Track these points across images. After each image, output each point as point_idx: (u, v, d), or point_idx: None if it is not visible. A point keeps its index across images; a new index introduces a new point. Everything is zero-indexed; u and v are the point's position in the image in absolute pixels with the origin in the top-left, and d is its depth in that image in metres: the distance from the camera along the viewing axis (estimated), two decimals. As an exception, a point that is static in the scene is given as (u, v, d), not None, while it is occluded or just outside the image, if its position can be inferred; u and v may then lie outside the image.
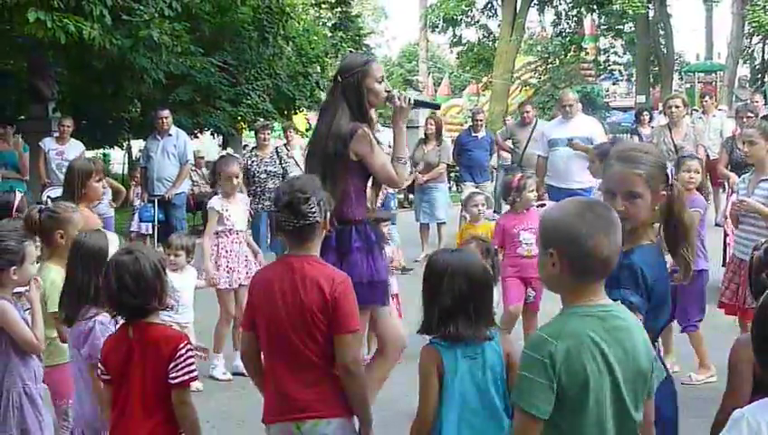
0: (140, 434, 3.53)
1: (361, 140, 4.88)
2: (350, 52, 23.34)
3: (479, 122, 13.65)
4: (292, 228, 3.60)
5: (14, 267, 4.32)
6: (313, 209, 3.58)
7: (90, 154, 13.68)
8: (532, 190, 7.14)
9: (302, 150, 13.46)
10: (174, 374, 3.50)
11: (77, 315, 4.12)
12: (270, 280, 3.67)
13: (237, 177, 7.31)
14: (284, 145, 12.95)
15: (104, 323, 4.00)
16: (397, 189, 8.55)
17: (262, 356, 3.75)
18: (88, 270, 4.15)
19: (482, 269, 3.51)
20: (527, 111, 13.29)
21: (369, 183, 5.12)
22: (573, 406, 2.58)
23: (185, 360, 3.53)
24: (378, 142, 5.00)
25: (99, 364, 3.72)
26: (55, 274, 4.70)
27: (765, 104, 18.52)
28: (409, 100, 5.13)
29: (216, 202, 7.21)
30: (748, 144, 6.71)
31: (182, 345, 3.55)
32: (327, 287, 3.54)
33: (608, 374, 2.60)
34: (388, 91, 5.11)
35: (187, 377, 3.53)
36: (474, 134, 13.43)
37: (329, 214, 3.69)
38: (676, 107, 10.23)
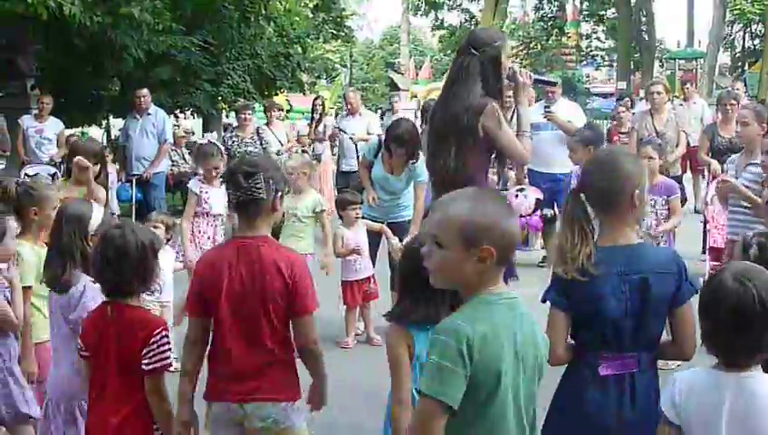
0: (118, 417, 3.49)
1: (491, 116, 4.87)
2: (333, 33, 23.29)
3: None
4: (237, 203, 3.56)
5: None
6: (258, 185, 3.51)
7: (68, 132, 13.54)
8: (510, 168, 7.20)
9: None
10: (147, 361, 3.46)
11: (63, 280, 4.05)
12: (221, 262, 3.57)
13: (217, 168, 7.29)
14: (266, 124, 12.92)
15: (95, 288, 3.91)
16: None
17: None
18: (71, 235, 4.09)
19: None
20: (508, 97, 13.26)
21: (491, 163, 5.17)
22: (483, 394, 2.52)
23: (158, 347, 3.48)
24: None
25: (78, 339, 3.68)
26: (27, 250, 4.65)
27: (746, 92, 18.63)
28: (531, 76, 5.22)
29: (194, 184, 7.19)
30: (741, 125, 6.76)
31: (157, 332, 3.50)
32: (286, 270, 3.50)
33: (517, 361, 2.58)
34: (510, 67, 5.12)
35: (159, 365, 3.49)
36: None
37: (279, 194, 3.61)
38: (658, 93, 10.24)
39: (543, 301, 3.31)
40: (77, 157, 6.23)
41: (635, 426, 3.14)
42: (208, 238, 7.17)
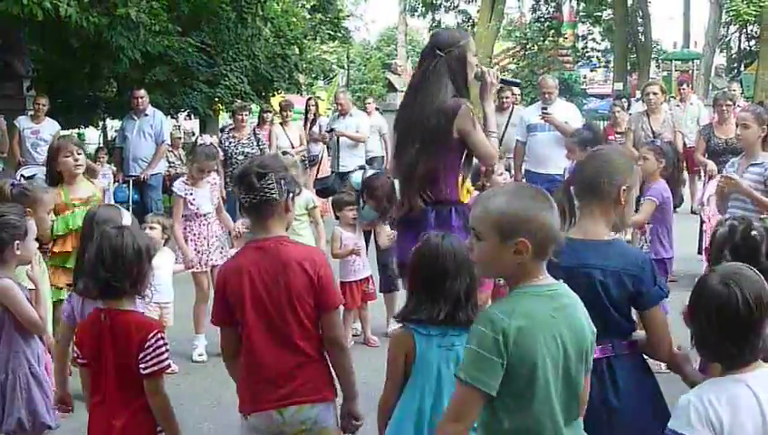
0: (119, 421, 3.49)
1: (464, 117, 4.83)
2: (330, 34, 23.31)
3: (457, 107, 13.62)
4: (249, 205, 3.52)
5: (17, 242, 4.23)
6: (271, 186, 3.48)
7: (64, 133, 13.53)
8: (501, 174, 7.16)
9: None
10: (143, 365, 3.46)
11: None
12: (244, 268, 3.53)
13: (210, 172, 7.32)
14: (281, 124, 12.99)
15: None
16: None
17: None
18: None
19: (468, 254, 3.50)
20: (506, 97, 13.27)
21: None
22: (522, 384, 2.58)
23: (154, 350, 3.47)
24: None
25: (74, 347, 3.66)
26: None
27: (742, 93, 18.65)
28: (497, 76, 5.21)
29: (179, 186, 7.19)
30: (742, 127, 6.75)
31: (152, 335, 3.49)
32: (310, 267, 3.48)
33: (559, 353, 2.61)
34: (477, 66, 5.07)
35: (156, 368, 3.48)
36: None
37: (291, 195, 3.59)
38: (654, 94, 10.26)
39: None
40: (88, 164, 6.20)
41: (624, 415, 3.16)
42: (204, 239, 7.17)
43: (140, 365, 3.45)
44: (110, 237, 3.52)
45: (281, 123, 13.06)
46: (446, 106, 4.83)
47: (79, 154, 6.04)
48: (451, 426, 2.63)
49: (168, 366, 3.61)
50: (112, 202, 12.42)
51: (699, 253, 9.01)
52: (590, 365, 2.78)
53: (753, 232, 3.50)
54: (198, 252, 7.11)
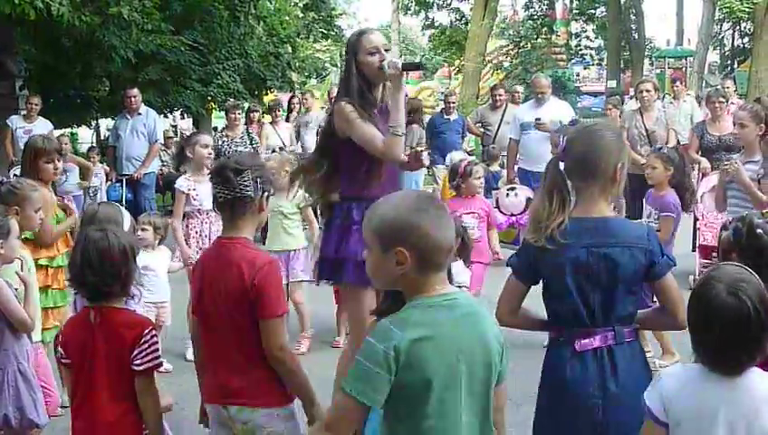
0: (108, 420, 3.46)
1: (338, 116, 4.81)
2: (323, 33, 23.31)
3: (451, 105, 13.67)
4: (223, 201, 3.52)
5: (0, 241, 4.22)
6: (247, 183, 3.47)
7: (57, 133, 13.50)
8: (479, 177, 7.12)
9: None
10: (138, 361, 3.43)
11: None
12: (204, 263, 3.62)
13: (210, 156, 7.25)
14: (270, 123, 12.95)
15: None
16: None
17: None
18: None
19: None
20: (499, 95, 13.30)
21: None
22: (416, 398, 2.52)
23: (149, 346, 3.46)
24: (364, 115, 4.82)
25: (59, 347, 3.63)
26: None
27: (735, 90, 18.67)
28: (396, 65, 4.82)
29: (182, 182, 7.13)
30: (739, 127, 6.76)
31: (146, 331, 3.48)
32: (247, 272, 3.41)
33: (459, 365, 2.55)
34: (381, 61, 4.85)
35: (151, 364, 3.46)
36: (446, 117, 13.43)
37: (266, 194, 3.58)
38: (647, 91, 10.24)
39: (507, 264, 3.36)
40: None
41: (620, 398, 3.14)
42: (206, 236, 7.13)
43: (135, 361, 3.43)
44: (95, 241, 3.49)
45: (271, 123, 13.01)
46: (332, 108, 5.00)
47: (58, 162, 5.89)
48: (328, 433, 2.61)
49: (161, 364, 3.60)
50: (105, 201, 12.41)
51: (693, 250, 9.03)
52: (502, 376, 2.71)
53: (759, 230, 3.50)
54: (201, 249, 7.02)
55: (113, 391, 3.47)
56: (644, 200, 6.82)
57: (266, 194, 3.59)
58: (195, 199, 7.07)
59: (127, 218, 4.49)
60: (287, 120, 13.90)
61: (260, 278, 3.41)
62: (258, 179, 3.52)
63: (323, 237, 4.95)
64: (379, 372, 2.47)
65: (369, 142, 4.78)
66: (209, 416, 3.68)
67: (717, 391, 2.62)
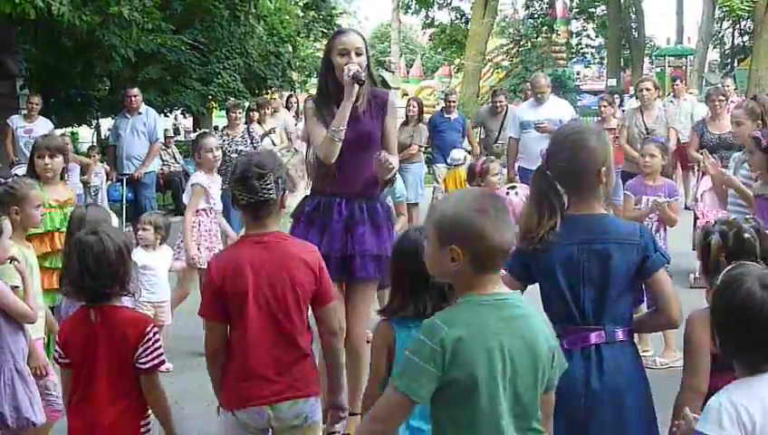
0: (107, 419, 3.46)
1: (305, 116, 5.02)
2: (323, 32, 23.29)
3: (451, 104, 13.64)
4: (246, 204, 3.52)
5: None
6: (269, 186, 3.48)
7: (58, 132, 13.50)
8: (497, 174, 7.12)
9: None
10: (144, 359, 3.44)
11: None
12: (241, 262, 3.51)
13: (212, 150, 7.26)
14: (257, 122, 12.93)
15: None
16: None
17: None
18: None
19: None
20: (500, 102, 13.30)
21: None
22: (463, 396, 2.53)
23: (153, 344, 3.47)
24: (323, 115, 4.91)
25: (57, 348, 3.62)
26: (14, 251, 4.57)
27: (735, 89, 18.67)
28: (350, 73, 4.78)
29: (202, 178, 7.10)
30: (735, 125, 6.77)
31: (149, 329, 3.49)
32: (311, 260, 3.56)
33: (505, 365, 2.54)
34: (346, 64, 4.82)
35: (156, 361, 3.48)
36: (446, 116, 13.41)
37: (286, 192, 3.61)
38: (647, 89, 10.24)
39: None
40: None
41: (602, 397, 3.13)
42: (214, 236, 7.13)
43: (140, 360, 3.44)
44: (90, 245, 3.48)
45: (258, 121, 12.98)
46: None
47: (51, 158, 5.85)
48: (374, 425, 2.64)
49: (164, 362, 3.61)
50: (106, 201, 12.43)
51: (693, 249, 9.01)
52: (552, 382, 2.70)
53: (746, 235, 3.48)
54: (208, 249, 7.00)
55: (113, 390, 3.47)
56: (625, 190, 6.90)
57: (286, 192, 3.63)
58: (211, 198, 7.08)
59: (114, 218, 4.50)
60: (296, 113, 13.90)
61: (321, 264, 3.60)
62: (279, 180, 3.55)
63: (292, 230, 4.90)
64: (427, 367, 2.50)
65: (313, 141, 4.99)
66: (232, 424, 3.58)
67: None
